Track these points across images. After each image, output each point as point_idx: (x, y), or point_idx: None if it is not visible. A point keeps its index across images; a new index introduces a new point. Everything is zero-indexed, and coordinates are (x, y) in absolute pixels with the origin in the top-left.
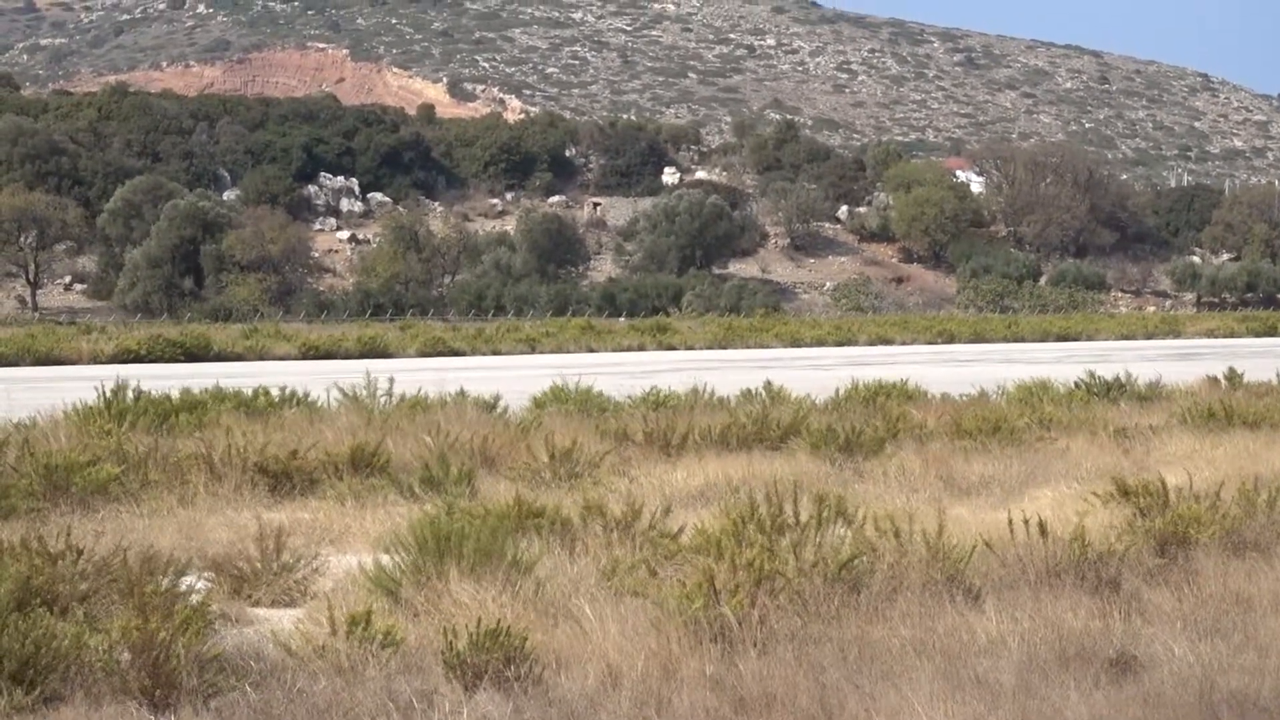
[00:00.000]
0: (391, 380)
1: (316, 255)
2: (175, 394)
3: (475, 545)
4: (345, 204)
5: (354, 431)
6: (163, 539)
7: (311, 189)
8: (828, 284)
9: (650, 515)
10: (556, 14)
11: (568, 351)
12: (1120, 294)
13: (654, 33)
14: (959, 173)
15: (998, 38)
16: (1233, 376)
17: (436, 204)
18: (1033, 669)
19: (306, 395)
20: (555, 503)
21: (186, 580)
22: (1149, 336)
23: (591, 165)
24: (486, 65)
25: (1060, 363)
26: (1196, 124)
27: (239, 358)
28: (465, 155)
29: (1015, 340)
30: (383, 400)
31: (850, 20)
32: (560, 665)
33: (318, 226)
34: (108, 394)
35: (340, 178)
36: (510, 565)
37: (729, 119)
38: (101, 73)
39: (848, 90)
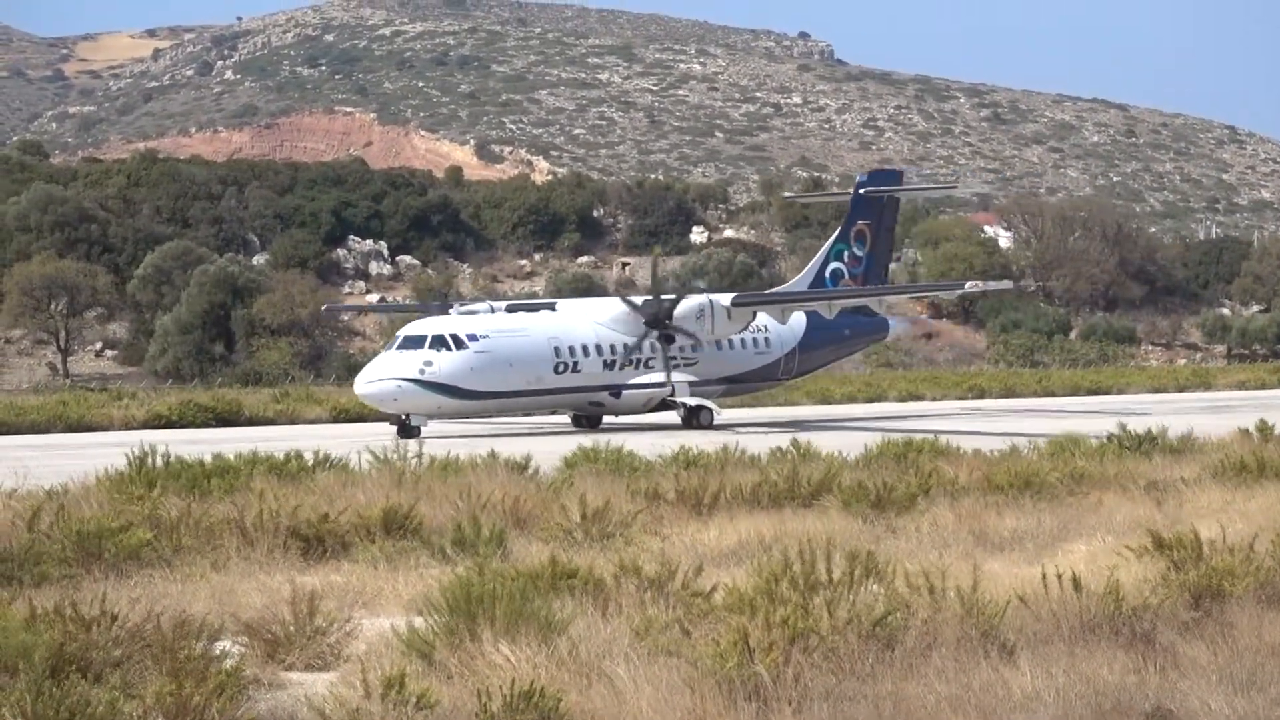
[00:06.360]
0: (423, 442)
1: (346, 318)
2: (207, 459)
3: (508, 606)
4: (374, 267)
5: (386, 494)
6: (196, 604)
7: (340, 252)
8: None
9: (683, 574)
10: (583, 75)
11: None
12: (1151, 347)
13: (680, 92)
14: (987, 228)
15: (1024, 92)
16: (1264, 429)
17: (465, 266)
18: None
19: (339, 458)
20: (588, 563)
21: (220, 645)
22: (1180, 389)
23: (620, 225)
24: (514, 127)
25: (1091, 416)
26: (1224, 176)
27: (270, 422)
28: (493, 217)
29: (1046, 394)
30: (414, 462)
31: (876, 77)
32: None
33: (347, 289)
34: (139, 460)
35: (369, 241)
36: (544, 626)
37: (756, 177)
38: (130, 140)
39: (874, 147)
